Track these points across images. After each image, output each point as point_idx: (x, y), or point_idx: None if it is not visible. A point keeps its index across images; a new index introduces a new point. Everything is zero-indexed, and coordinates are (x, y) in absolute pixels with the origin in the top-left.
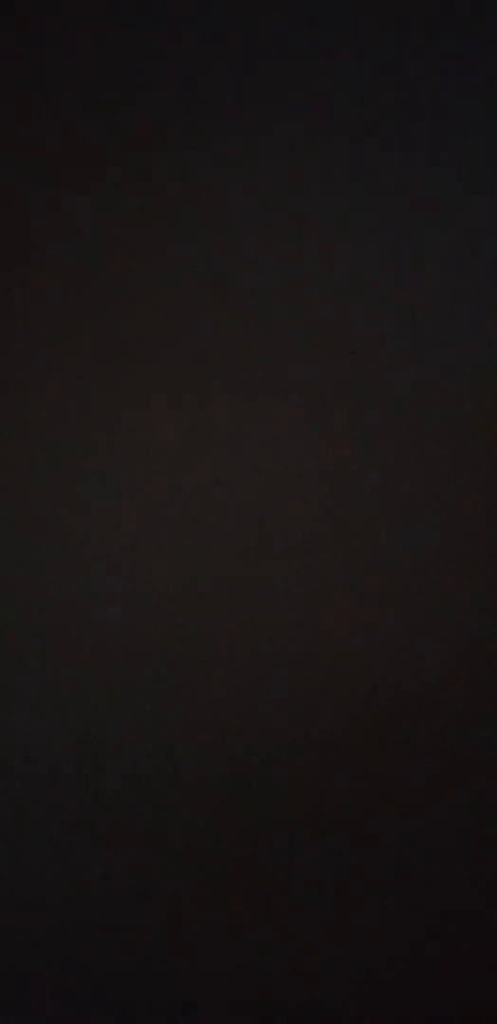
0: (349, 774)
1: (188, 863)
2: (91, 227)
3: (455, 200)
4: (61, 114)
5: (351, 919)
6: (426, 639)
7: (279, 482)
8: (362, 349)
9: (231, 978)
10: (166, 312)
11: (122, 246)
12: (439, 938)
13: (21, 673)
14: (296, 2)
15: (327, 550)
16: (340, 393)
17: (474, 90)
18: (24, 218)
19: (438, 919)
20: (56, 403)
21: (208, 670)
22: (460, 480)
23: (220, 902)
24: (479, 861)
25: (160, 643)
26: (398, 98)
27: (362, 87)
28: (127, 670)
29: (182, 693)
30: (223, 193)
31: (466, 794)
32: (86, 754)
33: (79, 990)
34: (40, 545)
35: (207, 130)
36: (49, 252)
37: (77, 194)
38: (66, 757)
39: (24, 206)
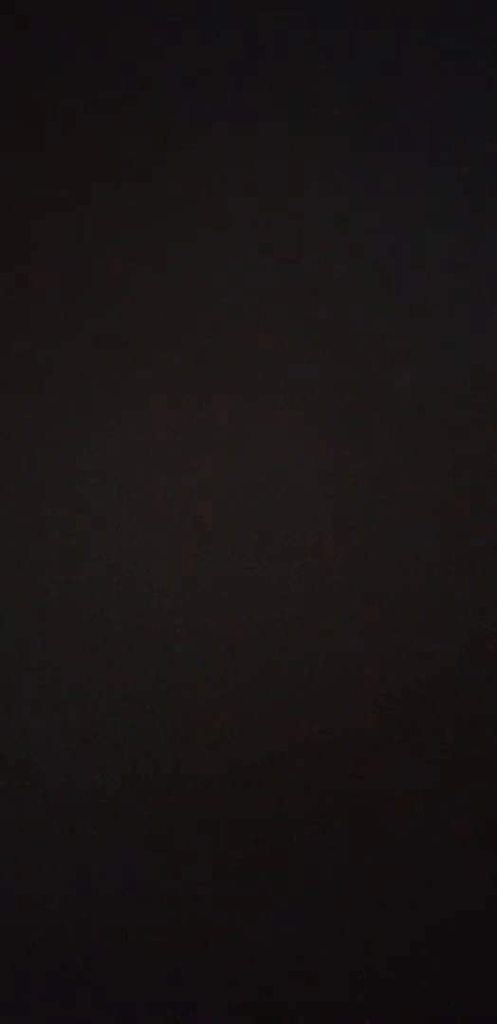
0: (349, 774)
1: (188, 863)
2: (91, 227)
3: (455, 200)
4: (61, 114)
5: (351, 919)
6: (426, 639)
7: (279, 482)
8: (362, 349)
9: (231, 978)
10: (166, 312)
11: (122, 246)
12: (439, 938)
13: (21, 673)
14: (296, 2)
15: (327, 550)
16: (340, 393)
17: (474, 90)
18: (24, 218)
19: (438, 919)
20: (56, 403)
21: (208, 670)
22: (460, 480)
23: (220, 902)
24: (479, 861)
25: (160, 643)
26: (398, 98)
27: (362, 87)
28: (127, 670)
29: (182, 693)
30: (223, 193)
31: (466, 794)
32: (86, 754)
33: (79, 990)
34: (40, 545)
35: (207, 130)
36: (49, 252)
37: (77, 194)
38: (66, 757)
39: (24, 206)
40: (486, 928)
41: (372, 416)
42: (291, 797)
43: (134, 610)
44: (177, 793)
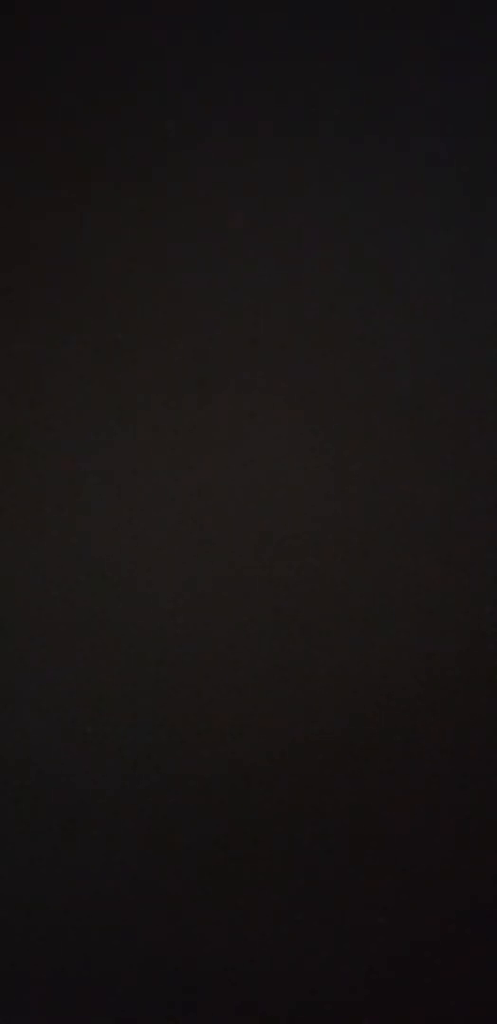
0: (349, 774)
1: (188, 863)
2: (91, 227)
3: (455, 200)
4: (61, 114)
5: (351, 919)
6: (426, 639)
7: (279, 481)
8: (362, 349)
9: (231, 978)
10: (166, 312)
11: (122, 246)
12: (439, 938)
13: (21, 673)
14: (296, 2)
15: (327, 550)
16: (340, 393)
17: (474, 90)
18: (24, 218)
19: (438, 919)
20: (56, 403)
21: (208, 670)
22: (460, 480)
23: (220, 902)
24: (479, 861)
25: (160, 643)
26: (398, 98)
27: (362, 87)
28: (127, 670)
29: (182, 693)
30: (223, 193)
31: (466, 794)
32: (86, 754)
33: (79, 990)
34: (40, 545)
35: (207, 130)
36: (49, 252)
37: (77, 194)
38: (66, 757)
39: (24, 206)
40: (486, 928)
41: (372, 416)
42: (291, 797)
43: (134, 610)
44: (177, 793)
